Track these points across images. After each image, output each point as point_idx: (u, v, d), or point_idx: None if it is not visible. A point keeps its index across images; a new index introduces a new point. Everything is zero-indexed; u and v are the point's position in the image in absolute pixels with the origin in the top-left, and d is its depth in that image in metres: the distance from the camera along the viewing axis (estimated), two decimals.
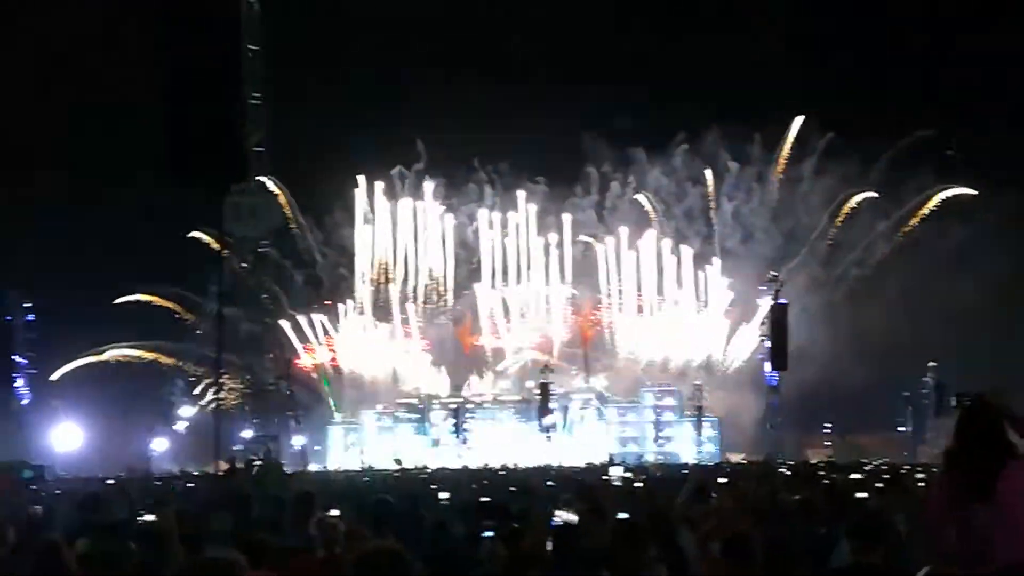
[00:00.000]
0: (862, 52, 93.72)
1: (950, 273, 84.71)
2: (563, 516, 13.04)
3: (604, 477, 30.56)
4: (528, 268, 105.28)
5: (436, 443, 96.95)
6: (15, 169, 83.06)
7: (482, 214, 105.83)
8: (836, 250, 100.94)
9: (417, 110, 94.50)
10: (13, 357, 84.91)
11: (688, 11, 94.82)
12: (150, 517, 13.29)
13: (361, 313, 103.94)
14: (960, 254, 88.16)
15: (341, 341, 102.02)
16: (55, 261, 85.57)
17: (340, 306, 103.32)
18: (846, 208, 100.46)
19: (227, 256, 79.87)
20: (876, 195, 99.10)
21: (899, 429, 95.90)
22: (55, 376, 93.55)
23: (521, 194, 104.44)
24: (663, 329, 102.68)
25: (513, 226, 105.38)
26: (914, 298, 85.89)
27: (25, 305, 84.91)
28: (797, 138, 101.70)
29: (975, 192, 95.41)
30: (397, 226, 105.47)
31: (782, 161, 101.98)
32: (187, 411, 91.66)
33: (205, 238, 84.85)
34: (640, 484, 25.19)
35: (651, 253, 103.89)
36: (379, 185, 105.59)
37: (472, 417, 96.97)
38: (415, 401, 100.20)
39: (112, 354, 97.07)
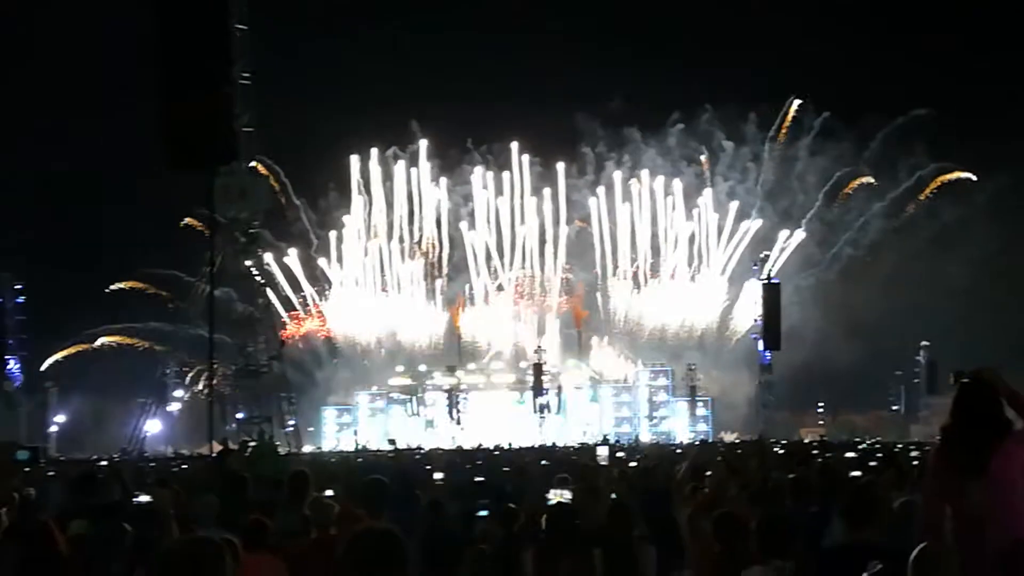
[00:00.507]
0: (859, 30, 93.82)
1: (943, 252, 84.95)
2: (557, 495, 13.08)
3: (593, 458, 30.68)
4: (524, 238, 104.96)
5: (431, 424, 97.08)
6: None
7: (476, 176, 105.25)
8: (830, 230, 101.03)
9: (410, 92, 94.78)
10: (5, 339, 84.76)
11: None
12: (145, 498, 13.29)
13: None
14: (952, 234, 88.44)
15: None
16: (47, 243, 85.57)
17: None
18: (843, 195, 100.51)
19: (217, 238, 79.48)
20: (872, 181, 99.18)
21: (892, 408, 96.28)
22: (48, 360, 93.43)
23: (514, 145, 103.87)
24: (661, 301, 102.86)
25: (507, 191, 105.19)
26: (907, 277, 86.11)
27: (16, 287, 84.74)
28: (792, 117, 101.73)
29: (974, 177, 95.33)
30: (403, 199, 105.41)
31: (781, 137, 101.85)
32: (180, 393, 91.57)
33: (195, 224, 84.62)
34: (635, 464, 25.26)
35: (646, 234, 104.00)
36: (375, 168, 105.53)
37: (466, 398, 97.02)
38: (409, 382, 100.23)
39: (104, 339, 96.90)
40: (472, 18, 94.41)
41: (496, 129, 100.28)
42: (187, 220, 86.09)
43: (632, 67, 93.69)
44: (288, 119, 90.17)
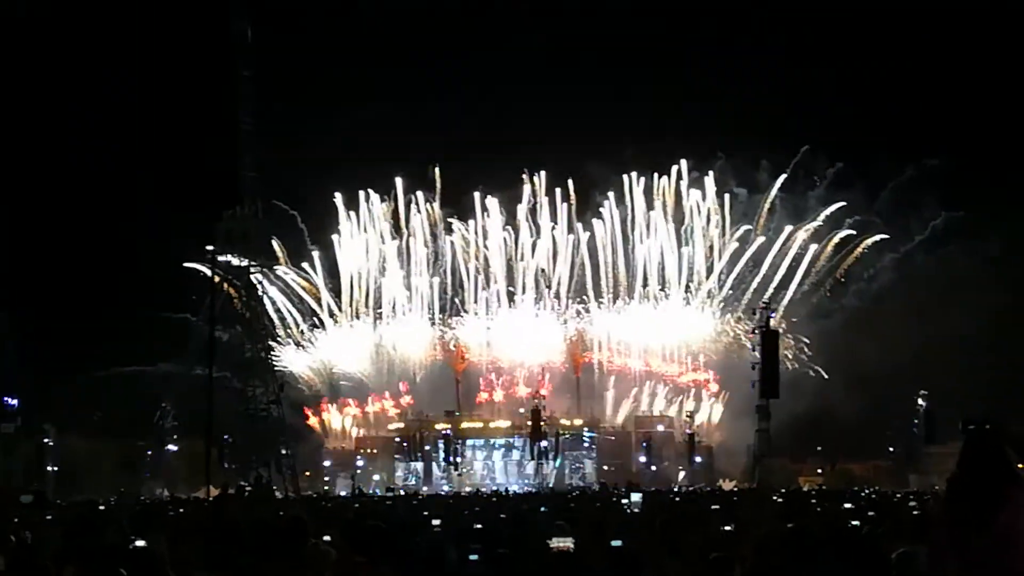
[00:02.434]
0: (870, 83, 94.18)
1: (946, 302, 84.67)
2: (559, 542, 13.01)
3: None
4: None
5: (428, 470, 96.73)
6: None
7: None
8: (837, 280, 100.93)
9: (421, 137, 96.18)
10: (6, 379, 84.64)
11: (696, 38, 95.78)
12: (141, 543, 13.23)
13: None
14: (958, 284, 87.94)
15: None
16: (50, 282, 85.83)
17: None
18: (856, 252, 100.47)
19: (219, 282, 79.70)
20: (886, 237, 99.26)
21: (890, 457, 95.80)
22: (46, 399, 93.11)
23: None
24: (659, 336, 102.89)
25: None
26: (909, 327, 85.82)
27: (16, 328, 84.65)
28: (803, 166, 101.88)
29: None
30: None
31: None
32: (178, 435, 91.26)
33: (200, 268, 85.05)
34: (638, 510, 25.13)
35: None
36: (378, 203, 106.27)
37: (464, 444, 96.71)
38: (407, 428, 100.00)
39: (104, 375, 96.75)
40: (492, 65, 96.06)
41: (509, 175, 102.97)
42: (188, 264, 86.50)
43: (644, 116, 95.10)
44: (292, 161, 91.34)
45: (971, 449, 7.29)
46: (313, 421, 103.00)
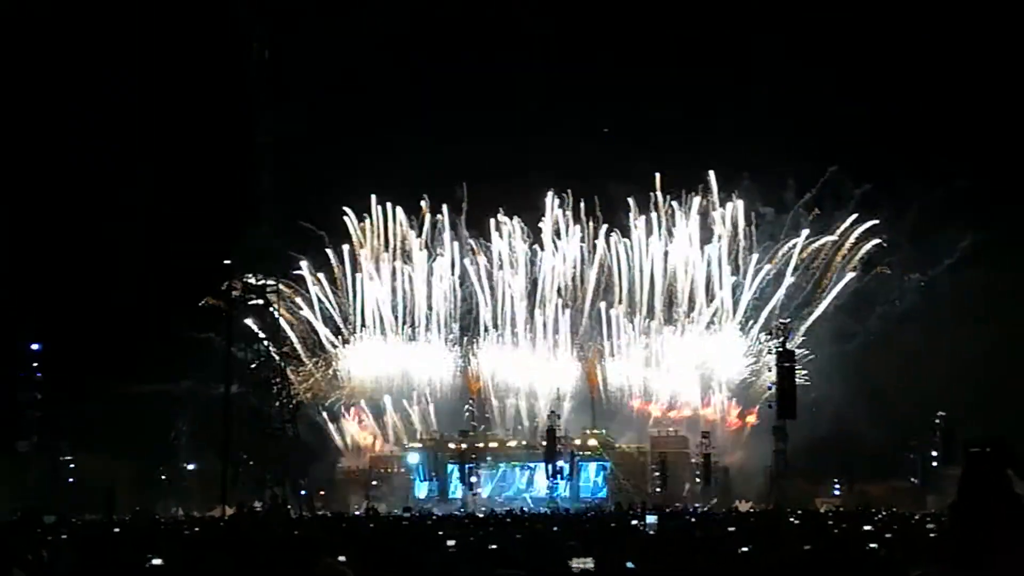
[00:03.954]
0: (898, 102, 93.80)
1: (970, 324, 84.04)
2: (580, 564, 12.96)
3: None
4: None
5: (443, 489, 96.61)
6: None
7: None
8: (861, 300, 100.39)
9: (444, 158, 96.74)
10: (28, 395, 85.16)
11: (723, 58, 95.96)
12: (157, 561, 13.25)
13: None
14: (983, 305, 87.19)
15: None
16: (69, 305, 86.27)
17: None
18: (879, 269, 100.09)
19: (236, 300, 79.90)
20: (910, 258, 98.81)
21: (910, 479, 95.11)
22: (64, 419, 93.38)
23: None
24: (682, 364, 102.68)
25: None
26: (934, 348, 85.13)
27: (33, 348, 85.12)
28: (829, 186, 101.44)
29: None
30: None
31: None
32: (193, 454, 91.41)
33: (214, 302, 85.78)
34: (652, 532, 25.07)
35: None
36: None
37: (479, 464, 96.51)
38: (422, 447, 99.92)
39: (122, 393, 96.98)
40: (512, 89, 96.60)
41: (530, 197, 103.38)
42: (207, 300, 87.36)
43: (668, 136, 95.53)
44: (307, 178, 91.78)
45: (971, 472, 7.22)
46: (331, 428, 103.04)
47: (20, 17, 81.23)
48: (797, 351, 70.89)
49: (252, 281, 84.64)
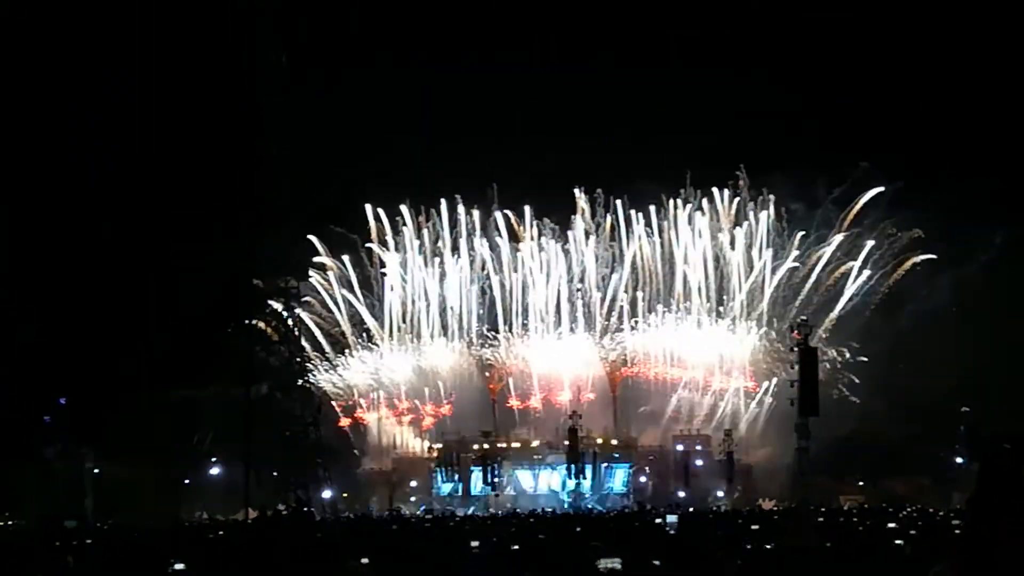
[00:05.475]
0: (931, 99, 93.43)
1: (1000, 321, 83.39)
2: (608, 563, 12.94)
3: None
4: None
5: (466, 490, 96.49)
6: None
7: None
8: (893, 300, 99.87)
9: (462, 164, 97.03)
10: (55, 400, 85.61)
11: (752, 58, 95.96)
12: (180, 566, 13.30)
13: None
14: (1014, 303, 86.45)
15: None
16: (92, 313, 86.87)
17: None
18: (905, 266, 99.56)
19: (259, 303, 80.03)
20: (934, 257, 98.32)
21: (934, 475, 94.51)
22: (87, 424, 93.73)
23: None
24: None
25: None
26: (962, 345, 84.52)
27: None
28: (859, 184, 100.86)
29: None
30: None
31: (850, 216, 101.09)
32: (217, 458, 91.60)
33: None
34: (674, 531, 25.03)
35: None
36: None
37: (501, 464, 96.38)
38: (444, 448, 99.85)
39: (146, 397, 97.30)
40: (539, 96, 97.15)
41: (559, 198, 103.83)
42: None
43: (698, 133, 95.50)
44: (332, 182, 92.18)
45: (987, 468, 7.16)
46: (354, 430, 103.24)
47: (46, 19, 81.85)
48: (824, 349, 70.11)
49: (277, 284, 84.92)
